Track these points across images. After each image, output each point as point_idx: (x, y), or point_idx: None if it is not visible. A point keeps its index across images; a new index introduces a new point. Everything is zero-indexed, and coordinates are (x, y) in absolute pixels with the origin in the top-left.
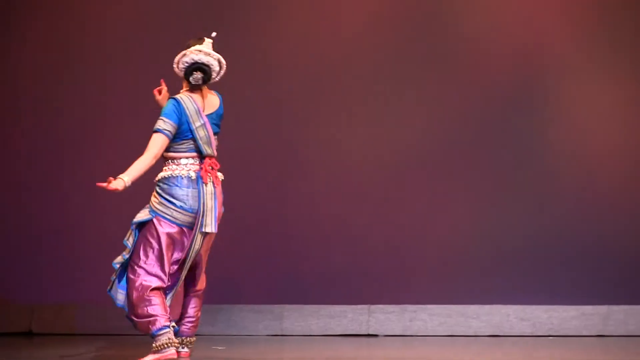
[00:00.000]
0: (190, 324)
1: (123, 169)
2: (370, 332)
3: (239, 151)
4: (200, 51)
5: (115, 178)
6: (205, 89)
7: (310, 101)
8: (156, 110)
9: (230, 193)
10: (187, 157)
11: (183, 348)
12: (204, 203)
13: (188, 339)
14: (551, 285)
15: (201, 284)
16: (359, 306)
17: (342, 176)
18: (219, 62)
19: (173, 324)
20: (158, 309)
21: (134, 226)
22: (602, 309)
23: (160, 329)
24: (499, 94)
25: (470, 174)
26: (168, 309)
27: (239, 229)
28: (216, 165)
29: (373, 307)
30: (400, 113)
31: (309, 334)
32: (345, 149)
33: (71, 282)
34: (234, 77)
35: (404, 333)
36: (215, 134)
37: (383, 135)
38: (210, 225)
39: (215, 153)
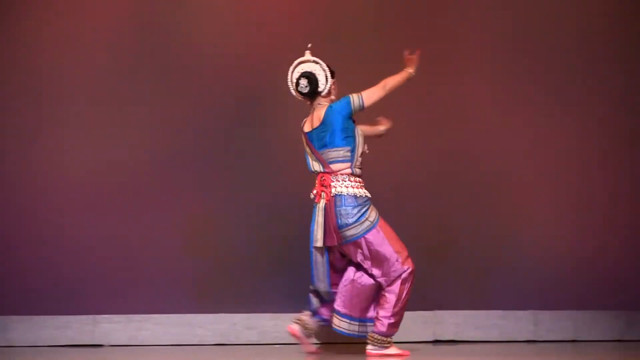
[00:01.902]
0: None
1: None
2: (96, 342)
3: None
4: (299, 62)
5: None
6: (317, 102)
7: None
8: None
9: None
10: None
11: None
12: (315, 220)
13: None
14: (275, 293)
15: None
16: (84, 316)
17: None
18: (323, 69)
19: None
20: None
21: None
22: None
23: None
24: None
25: (210, 181)
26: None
27: None
28: (327, 180)
29: (99, 317)
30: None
31: (36, 345)
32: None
33: None
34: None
35: (130, 342)
36: (325, 147)
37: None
38: (320, 241)
39: (325, 168)
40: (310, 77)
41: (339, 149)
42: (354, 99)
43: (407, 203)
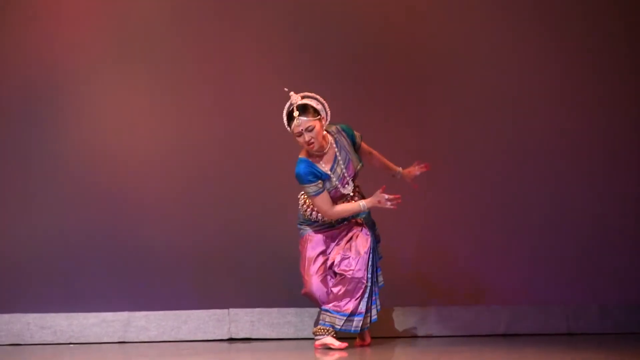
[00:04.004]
0: None
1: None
2: None
3: None
4: None
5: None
6: None
7: None
8: None
9: None
10: None
11: None
12: None
13: None
14: (72, 292)
15: None
16: None
17: None
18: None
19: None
20: None
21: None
22: (123, 315)
23: None
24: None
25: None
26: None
27: None
28: None
29: None
30: None
31: None
32: None
33: None
34: None
35: None
36: None
37: None
38: None
39: None
40: None
41: None
42: (306, 190)
43: None
